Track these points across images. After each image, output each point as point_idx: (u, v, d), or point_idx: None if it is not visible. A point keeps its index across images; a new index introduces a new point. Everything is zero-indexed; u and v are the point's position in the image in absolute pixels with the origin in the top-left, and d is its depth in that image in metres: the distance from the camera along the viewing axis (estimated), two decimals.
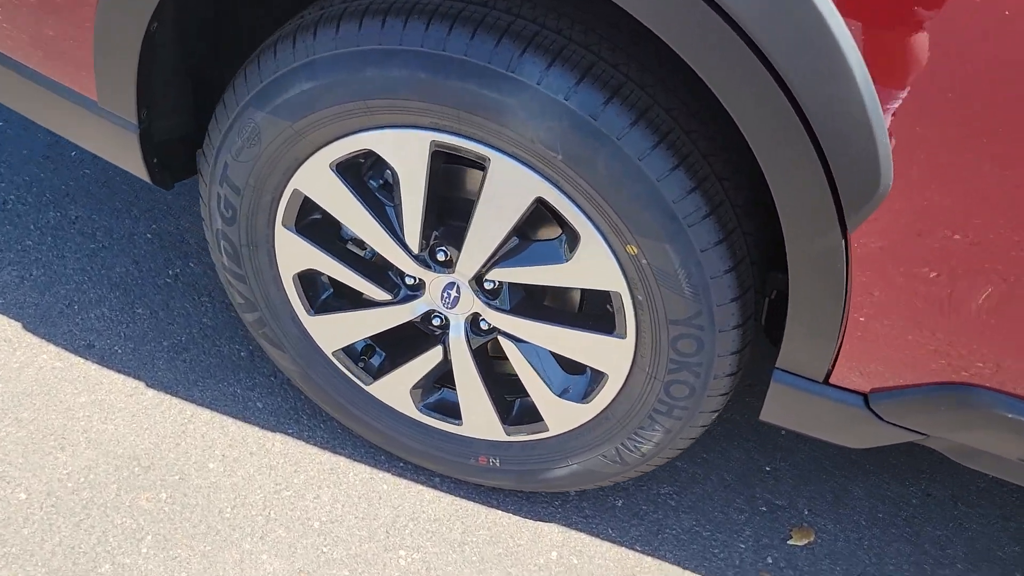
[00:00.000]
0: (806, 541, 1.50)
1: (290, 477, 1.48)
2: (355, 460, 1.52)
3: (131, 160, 1.31)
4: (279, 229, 1.29)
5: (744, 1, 0.85)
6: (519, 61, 1.02)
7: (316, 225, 1.31)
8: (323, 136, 1.16)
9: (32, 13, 1.24)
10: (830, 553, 1.49)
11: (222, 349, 1.65)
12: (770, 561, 1.47)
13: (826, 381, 1.13)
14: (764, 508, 1.54)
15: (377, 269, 1.32)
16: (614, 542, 1.46)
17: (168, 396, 1.57)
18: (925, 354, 1.05)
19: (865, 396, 1.12)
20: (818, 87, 0.87)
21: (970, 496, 1.59)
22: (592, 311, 1.27)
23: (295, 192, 1.24)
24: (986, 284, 0.96)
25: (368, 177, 1.25)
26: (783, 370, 1.14)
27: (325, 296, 1.38)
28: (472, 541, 1.43)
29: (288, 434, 1.54)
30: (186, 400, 1.56)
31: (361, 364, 1.42)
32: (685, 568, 1.44)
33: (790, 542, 1.49)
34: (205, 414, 1.55)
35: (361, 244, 1.34)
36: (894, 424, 1.13)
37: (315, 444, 1.53)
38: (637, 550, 1.45)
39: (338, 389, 1.45)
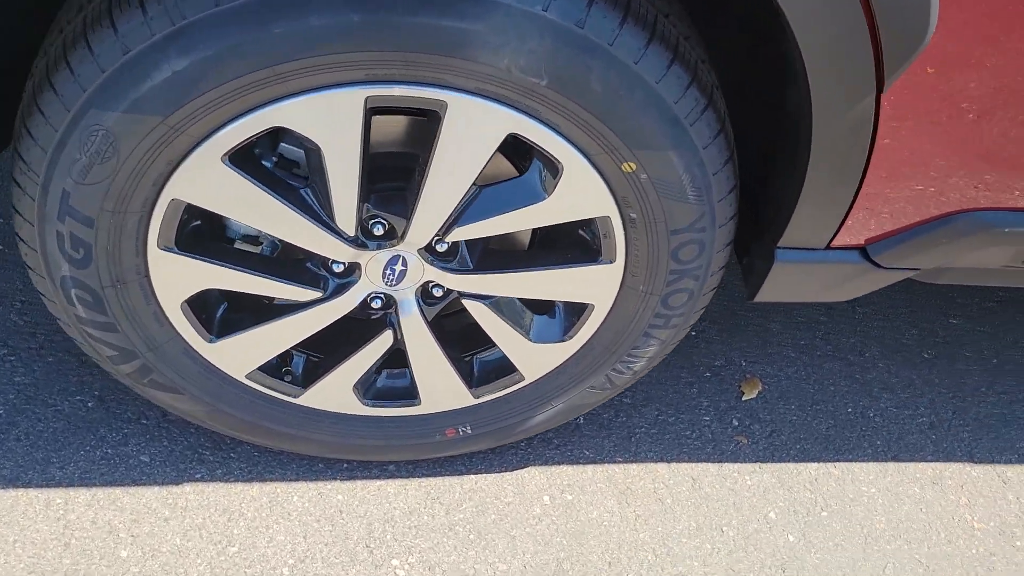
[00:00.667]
0: (756, 391, 1.51)
1: (227, 529, 1.22)
2: (291, 480, 1.28)
3: None
4: (155, 254, 0.98)
5: None
6: None
7: (198, 235, 1.01)
8: (209, 124, 0.87)
9: None
10: (781, 394, 1.51)
11: (60, 407, 1.30)
12: (736, 423, 1.46)
13: (827, 247, 1.08)
14: (708, 374, 1.52)
15: (291, 265, 1.06)
16: (596, 463, 1.37)
17: (22, 490, 1.21)
18: (927, 197, 1.02)
19: (863, 249, 1.09)
20: None
21: (865, 299, 1.68)
22: (560, 244, 1.11)
23: (173, 203, 0.93)
24: (999, 116, 0.93)
25: (266, 160, 0.97)
26: (787, 248, 1.07)
27: (221, 314, 1.10)
28: (460, 519, 1.28)
29: (197, 480, 1.26)
30: (48, 487, 1.22)
31: (287, 377, 1.16)
32: (670, 462, 1.39)
33: (744, 398, 1.50)
34: (82, 495, 1.22)
35: (254, 240, 1.07)
36: (892, 268, 1.11)
37: (236, 480, 1.27)
38: (619, 461, 1.38)
39: (260, 413, 1.19)
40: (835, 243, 1.07)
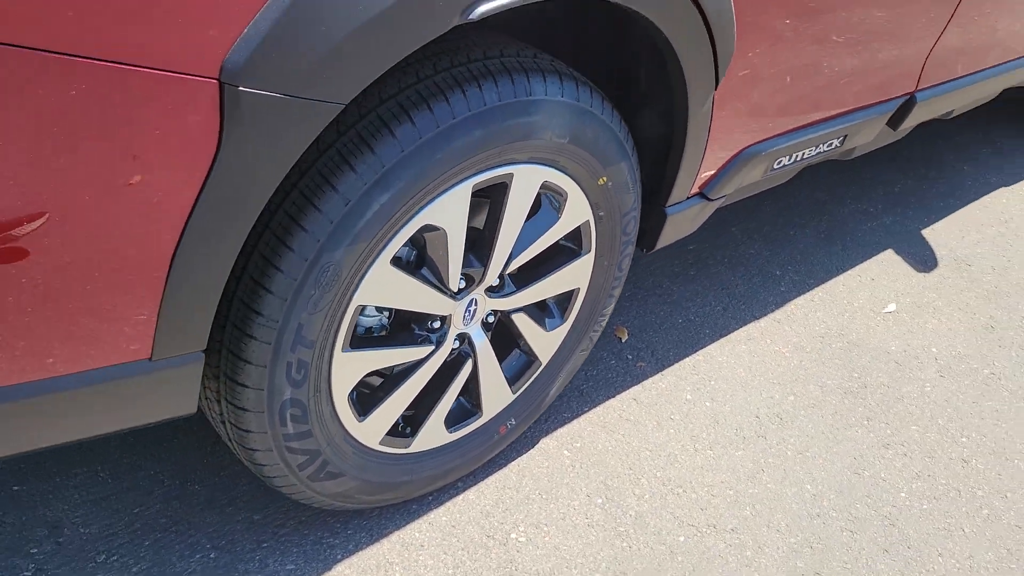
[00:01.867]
0: (626, 333, 2.10)
1: None
2: (402, 526, 1.59)
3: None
4: (339, 356, 1.29)
5: None
6: (531, 86, 1.28)
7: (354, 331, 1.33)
8: (388, 236, 1.23)
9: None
10: (644, 326, 2.12)
11: (192, 569, 1.46)
12: (630, 357, 2.04)
13: (687, 197, 1.71)
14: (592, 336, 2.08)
15: (404, 332, 1.41)
16: (576, 419, 1.86)
17: None
18: (728, 148, 1.70)
19: (702, 193, 1.74)
20: (714, 6, 1.38)
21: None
22: (552, 251, 1.58)
23: (356, 308, 1.26)
24: (760, 89, 1.63)
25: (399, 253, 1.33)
26: (671, 205, 1.68)
27: (354, 397, 1.40)
28: (530, 486, 1.69)
29: (338, 560, 1.52)
30: None
31: (405, 431, 1.49)
32: (611, 398, 1.92)
33: (623, 340, 2.08)
34: None
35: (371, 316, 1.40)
36: (717, 198, 1.77)
37: (361, 547, 1.54)
38: (588, 411, 1.88)
39: (387, 472, 1.50)
40: (691, 193, 1.71)
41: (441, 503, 1.63)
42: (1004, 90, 2.61)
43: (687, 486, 1.73)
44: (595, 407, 1.88)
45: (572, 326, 1.66)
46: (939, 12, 1.92)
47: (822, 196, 2.73)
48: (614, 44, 1.56)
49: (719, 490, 1.73)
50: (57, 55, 0.81)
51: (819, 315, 2.23)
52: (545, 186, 1.41)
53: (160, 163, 0.93)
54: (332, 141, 1.15)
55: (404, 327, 1.42)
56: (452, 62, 1.21)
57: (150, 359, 1.07)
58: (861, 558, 1.64)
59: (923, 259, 2.51)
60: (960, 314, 2.32)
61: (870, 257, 2.48)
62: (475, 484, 1.68)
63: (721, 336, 2.12)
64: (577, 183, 1.44)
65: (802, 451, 1.85)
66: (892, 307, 2.31)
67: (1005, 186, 2.95)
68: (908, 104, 2.10)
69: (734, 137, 1.68)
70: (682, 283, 2.28)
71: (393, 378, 1.43)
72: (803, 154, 1.89)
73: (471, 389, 1.57)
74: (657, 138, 1.61)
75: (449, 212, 1.28)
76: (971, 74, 2.26)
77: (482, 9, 1.07)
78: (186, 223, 0.99)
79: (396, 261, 1.27)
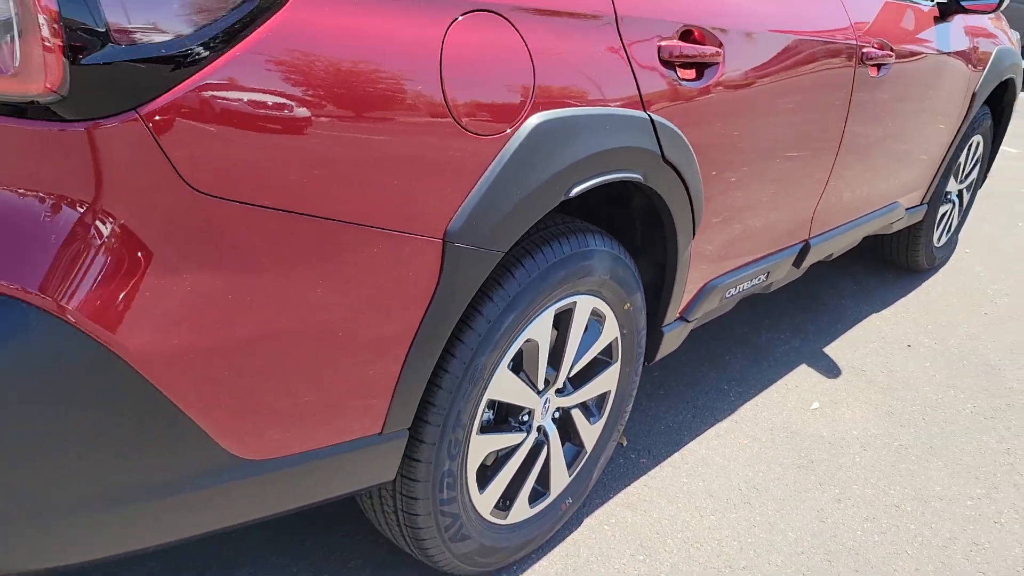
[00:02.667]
0: (625, 441, 2.64)
1: None
2: None
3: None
4: (473, 439, 1.78)
5: (677, 159, 1.96)
6: (589, 241, 1.88)
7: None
8: (507, 347, 1.76)
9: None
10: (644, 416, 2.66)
11: None
12: (632, 455, 2.56)
13: (676, 319, 2.32)
14: None
15: (504, 424, 1.92)
16: (633, 481, 2.35)
17: None
18: (697, 280, 2.34)
19: (682, 316, 2.36)
20: (692, 180, 2.04)
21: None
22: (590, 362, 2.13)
23: (486, 401, 1.77)
24: (730, 230, 2.30)
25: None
26: (666, 325, 2.28)
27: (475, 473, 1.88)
28: (568, 573, 2.15)
29: None
30: None
31: (504, 505, 1.96)
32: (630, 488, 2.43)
33: (624, 444, 2.61)
34: None
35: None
36: (692, 320, 2.39)
37: None
38: (631, 481, 2.38)
39: (493, 538, 1.95)
40: (676, 317, 2.32)
41: (523, 570, 2.07)
42: (864, 237, 3.41)
43: (702, 541, 2.24)
44: (618, 493, 2.38)
45: (606, 421, 2.19)
46: (818, 181, 2.68)
47: (744, 329, 3.41)
48: (617, 211, 2.20)
49: (727, 542, 2.25)
50: (344, 223, 1.33)
51: (764, 415, 2.84)
52: (593, 312, 1.98)
53: (407, 292, 1.46)
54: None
55: (503, 420, 1.92)
56: (544, 224, 1.80)
57: (380, 433, 1.55)
58: None
59: (829, 369, 3.19)
60: (866, 406, 2.98)
61: (790, 371, 3.14)
62: (545, 555, 2.13)
63: (696, 436, 2.69)
64: (612, 309, 2.03)
65: (778, 509, 2.39)
66: (816, 405, 2.95)
67: (875, 312, 3.73)
68: (805, 248, 2.83)
69: (700, 274, 2.32)
70: (656, 400, 2.86)
71: (498, 460, 1.92)
72: (743, 287, 2.55)
73: (543, 472, 2.06)
74: (649, 278, 2.23)
75: (541, 329, 1.83)
76: (844, 224, 3.04)
77: (576, 189, 1.68)
78: (415, 333, 1.50)
79: (510, 366, 1.80)
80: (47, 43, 1.02)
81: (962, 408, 3.03)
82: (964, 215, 4.36)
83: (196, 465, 1.30)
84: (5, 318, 1.09)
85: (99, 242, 1.12)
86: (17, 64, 1.04)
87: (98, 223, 1.12)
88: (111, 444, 1.21)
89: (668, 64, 1.85)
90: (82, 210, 1.11)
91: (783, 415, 2.86)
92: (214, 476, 1.33)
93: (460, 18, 1.41)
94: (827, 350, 3.34)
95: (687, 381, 2.99)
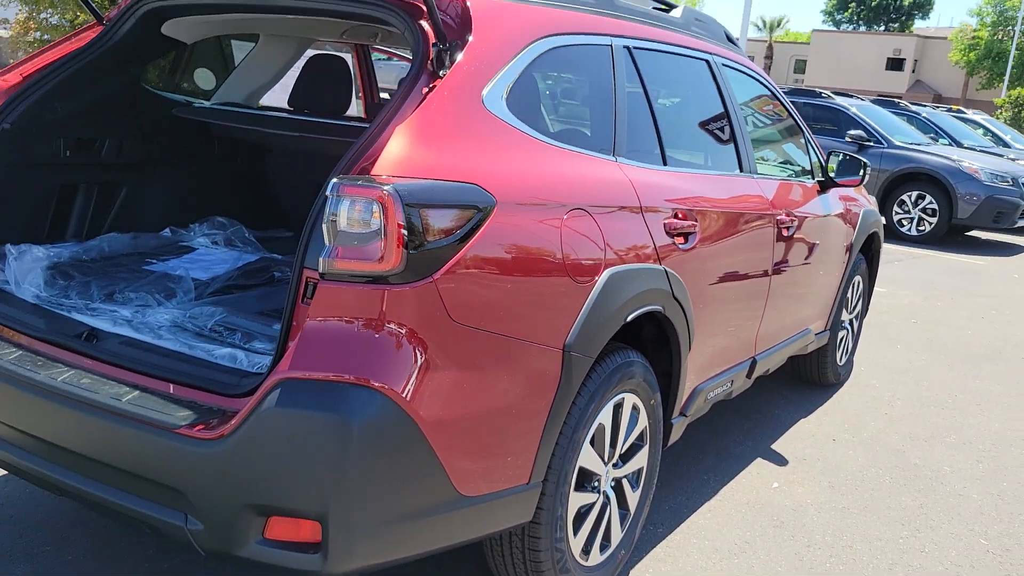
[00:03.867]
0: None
1: None
2: None
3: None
4: (571, 495, 2.57)
5: (680, 296, 2.88)
6: (630, 355, 2.74)
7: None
8: (589, 428, 2.58)
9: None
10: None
11: None
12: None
13: (678, 414, 3.18)
14: None
15: (582, 488, 2.69)
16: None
17: None
18: (694, 383, 3.22)
19: (683, 412, 3.22)
20: (688, 310, 2.96)
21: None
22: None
23: (578, 468, 2.57)
24: (708, 346, 3.21)
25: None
26: (674, 417, 3.13)
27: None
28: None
29: None
30: None
31: (585, 551, 2.72)
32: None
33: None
34: None
35: None
36: (691, 416, 3.26)
37: None
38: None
39: (580, 574, 2.69)
40: (679, 412, 3.18)
41: None
42: (788, 357, 4.40)
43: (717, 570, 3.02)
44: (649, 552, 3.15)
45: (642, 490, 3.00)
46: (758, 310, 3.66)
47: (708, 436, 4.29)
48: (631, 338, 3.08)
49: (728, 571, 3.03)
50: (517, 340, 2.17)
51: (739, 495, 3.68)
52: (632, 406, 2.83)
53: (545, 383, 2.28)
54: None
55: (580, 485, 2.70)
56: (607, 343, 2.68)
57: (527, 483, 2.33)
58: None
59: (778, 460, 4.08)
60: (812, 483, 3.86)
61: (750, 463, 4.01)
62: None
63: (694, 511, 3.50)
64: (644, 404, 2.88)
65: (767, 554, 3.20)
66: (776, 484, 3.81)
67: (802, 417, 4.69)
68: (753, 363, 3.78)
69: (691, 381, 3.21)
70: (658, 489, 3.67)
71: (579, 516, 2.69)
72: (718, 392, 3.45)
73: (607, 528, 2.83)
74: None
75: (607, 416, 2.66)
76: (776, 344, 4.02)
77: (630, 317, 2.57)
78: (548, 411, 2.32)
79: (590, 442, 2.61)
80: (398, 242, 1.88)
81: (882, 480, 3.95)
82: (856, 339, 5.45)
83: (442, 496, 2.07)
84: (364, 397, 1.88)
85: (412, 353, 1.94)
86: (380, 255, 1.88)
87: (408, 341, 1.94)
88: (410, 479, 1.97)
89: (669, 234, 2.81)
90: (404, 333, 1.93)
91: (753, 493, 3.70)
92: (450, 505, 2.10)
93: (565, 215, 2.34)
94: (774, 447, 4.24)
95: (675, 473, 3.81)
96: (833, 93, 12.69)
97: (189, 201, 3.37)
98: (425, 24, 2.30)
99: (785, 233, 3.75)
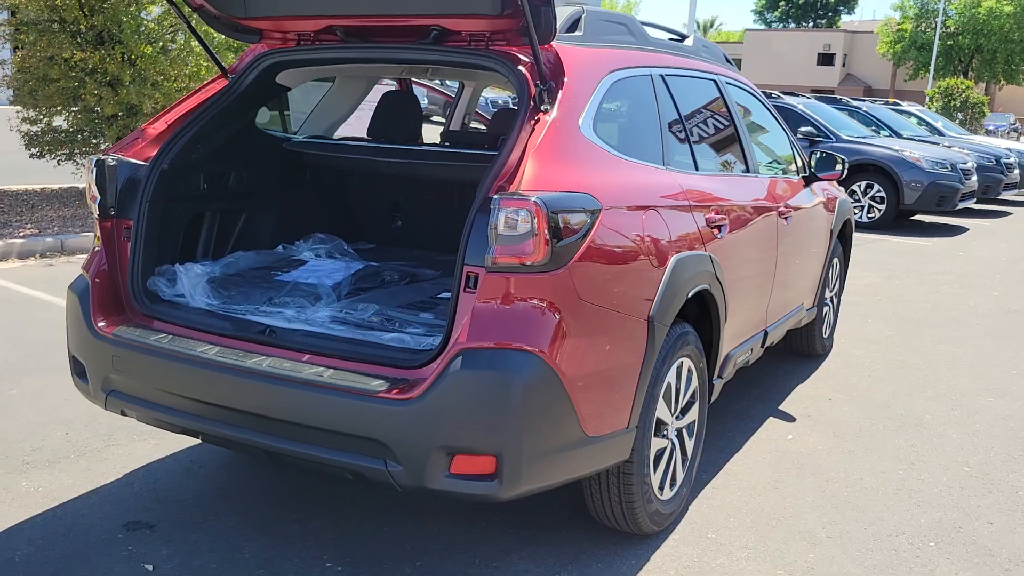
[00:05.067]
0: None
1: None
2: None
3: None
4: (652, 439, 3.19)
5: (719, 276, 3.52)
6: (686, 326, 3.38)
7: None
8: (662, 386, 3.20)
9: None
10: None
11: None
12: None
13: (716, 377, 3.82)
14: None
15: (658, 433, 3.32)
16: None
17: None
18: (726, 350, 3.87)
19: (719, 375, 3.87)
20: (725, 288, 3.61)
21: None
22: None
23: (655, 418, 3.20)
24: (736, 318, 3.86)
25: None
26: (714, 379, 3.77)
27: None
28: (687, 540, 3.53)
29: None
30: None
31: (660, 487, 3.34)
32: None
33: None
34: None
35: None
36: (723, 378, 3.90)
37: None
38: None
39: (660, 505, 3.31)
40: (717, 375, 3.82)
41: (656, 546, 3.43)
42: (787, 331, 5.08)
43: (762, 508, 3.67)
44: (701, 491, 3.79)
45: (695, 439, 3.63)
46: (768, 286, 4.32)
47: (727, 402, 4.95)
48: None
49: (774, 507, 3.68)
50: (620, 313, 2.80)
51: (761, 446, 4.34)
52: (689, 368, 3.46)
53: (638, 345, 2.91)
54: None
55: (657, 432, 3.32)
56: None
57: (626, 427, 2.95)
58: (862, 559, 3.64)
59: (787, 418, 4.74)
60: (819, 433, 4.53)
61: (764, 421, 4.67)
62: (674, 531, 3.50)
63: (730, 456, 4.14)
64: (695, 367, 3.51)
65: (796, 489, 3.87)
66: (790, 436, 4.48)
67: (799, 383, 5.37)
68: (765, 333, 4.45)
69: (725, 348, 3.86)
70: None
71: (656, 457, 3.31)
72: (741, 359, 4.11)
73: (673, 469, 3.45)
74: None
75: (673, 375, 3.28)
76: (780, 318, 4.70)
77: (690, 293, 3.20)
78: (640, 368, 2.95)
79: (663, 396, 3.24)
80: (544, 240, 2.49)
81: (876, 428, 4.65)
82: (836, 315, 6.18)
83: (575, 436, 2.67)
84: (524, 358, 2.48)
85: (554, 324, 2.55)
86: (532, 250, 2.49)
87: (551, 315, 2.55)
88: (556, 422, 2.58)
89: (709, 226, 3.46)
90: (548, 310, 2.54)
91: (772, 444, 4.37)
92: (579, 443, 2.71)
93: (644, 214, 2.97)
94: (781, 407, 4.92)
95: (707, 431, 4.46)
96: (782, 93, 13.57)
97: (291, 221, 3.92)
98: (523, 69, 2.92)
99: (784, 222, 4.43)
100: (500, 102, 13.32)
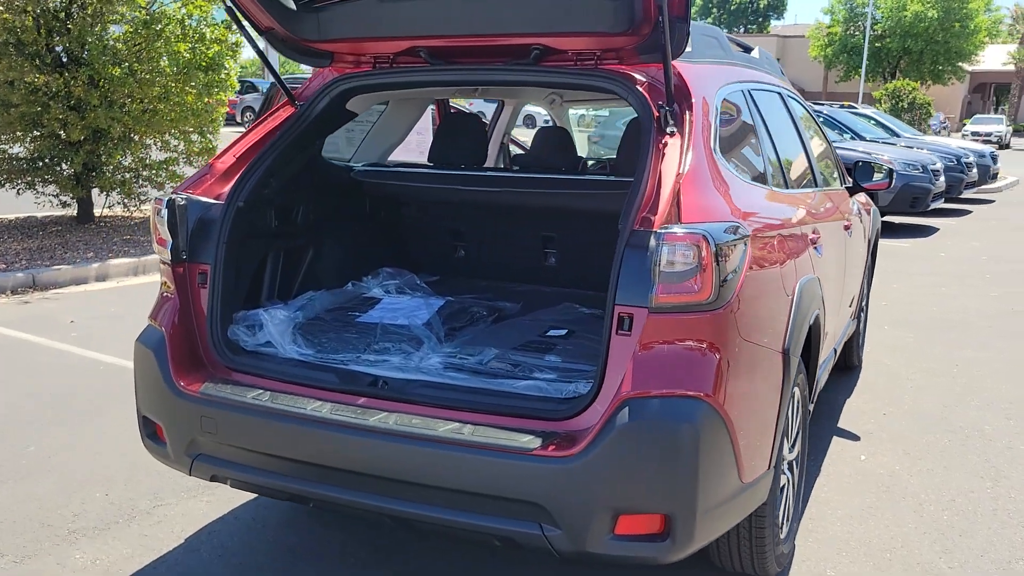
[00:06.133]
0: None
1: None
2: None
3: None
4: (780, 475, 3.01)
5: (823, 295, 3.36)
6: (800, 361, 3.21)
7: None
8: (784, 420, 3.03)
9: None
10: None
11: None
12: None
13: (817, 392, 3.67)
14: None
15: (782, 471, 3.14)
16: None
17: None
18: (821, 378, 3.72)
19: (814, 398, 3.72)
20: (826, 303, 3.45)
21: None
22: None
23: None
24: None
25: None
26: (811, 401, 3.62)
27: None
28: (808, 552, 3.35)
29: None
30: None
31: (781, 524, 3.16)
32: None
33: None
34: None
35: None
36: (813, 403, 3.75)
37: None
38: None
39: (783, 545, 3.13)
40: (813, 399, 3.67)
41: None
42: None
43: (849, 518, 3.51)
44: (800, 523, 3.62)
45: (800, 469, 3.45)
46: (838, 306, 4.18)
47: None
48: None
49: (867, 523, 3.53)
50: (764, 347, 2.62)
51: (840, 468, 4.19)
52: (798, 397, 3.29)
53: (778, 378, 2.72)
54: None
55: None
56: None
57: (768, 469, 2.75)
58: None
59: (851, 436, 4.61)
60: (886, 451, 4.41)
61: (829, 442, 4.53)
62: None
63: (813, 488, 3.98)
64: (801, 395, 3.33)
65: (895, 511, 3.72)
66: (863, 457, 4.34)
67: (847, 398, 5.26)
68: (835, 352, 4.30)
69: (820, 372, 3.70)
70: None
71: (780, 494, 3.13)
72: (822, 382, 3.95)
73: (786, 506, 3.27)
74: None
75: (790, 407, 3.11)
76: (842, 334, 4.57)
77: (812, 319, 3.03)
78: (779, 408, 2.76)
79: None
80: (711, 276, 2.28)
81: (942, 443, 4.55)
82: (866, 325, 6.10)
83: (735, 485, 2.47)
84: (696, 406, 2.27)
85: (721, 367, 2.34)
86: (698, 288, 2.28)
87: (717, 357, 2.34)
88: (723, 471, 2.37)
89: (811, 245, 3.29)
90: (715, 351, 2.33)
91: (850, 465, 4.23)
92: (738, 491, 2.50)
93: (775, 239, 2.79)
94: (840, 425, 4.79)
95: None
96: None
97: (355, 255, 3.65)
98: (642, 89, 2.71)
99: (848, 235, 4.31)
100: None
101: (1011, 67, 53.79)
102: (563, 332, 2.99)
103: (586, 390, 2.42)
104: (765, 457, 2.71)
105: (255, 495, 3.64)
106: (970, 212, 15.53)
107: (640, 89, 2.71)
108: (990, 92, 62.11)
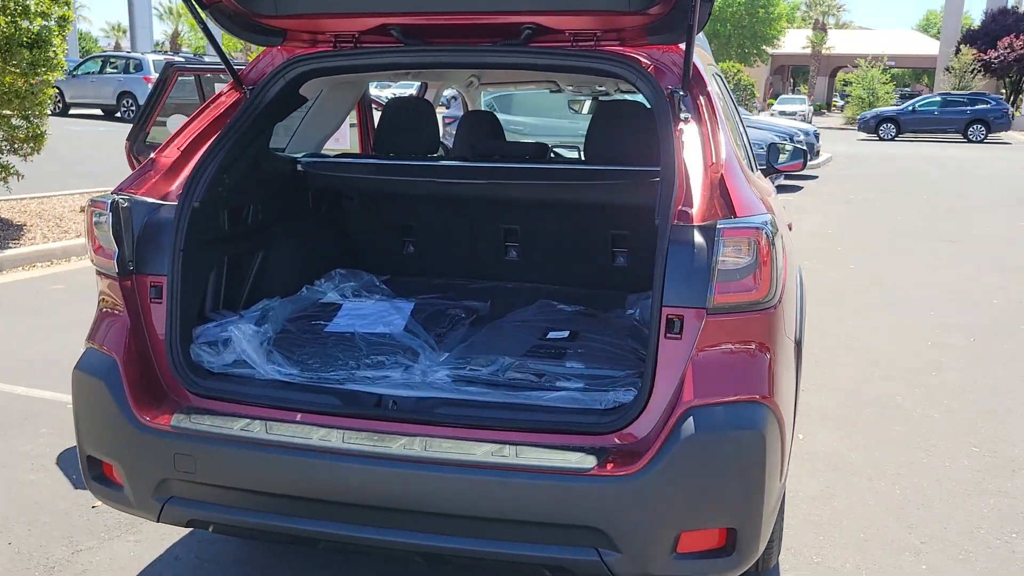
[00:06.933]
0: None
1: None
2: None
3: None
4: None
5: None
6: None
7: None
8: None
9: None
10: None
11: None
12: None
13: None
14: None
15: None
16: None
17: None
18: None
19: None
20: None
21: None
22: None
23: None
24: None
25: None
26: None
27: None
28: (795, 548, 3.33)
29: None
30: None
31: None
32: None
33: None
34: None
35: None
36: None
37: None
38: None
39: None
40: None
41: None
42: None
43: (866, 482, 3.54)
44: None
45: None
46: None
47: None
48: None
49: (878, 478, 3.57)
50: (789, 339, 2.53)
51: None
52: None
53: (793, 371, 2.65)
54: None
55: None
56: None
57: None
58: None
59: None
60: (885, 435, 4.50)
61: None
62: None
63: None
64: None
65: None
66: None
67: None
68: None
69: None
70: None
71: None
72: None
73: None
74: None
75: None
76: None
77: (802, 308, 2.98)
78: (795, 400, 2.68)
79: None
80: (768, 271, 2.15)
81: (863, 415, 4.68)
82: None
83: (781, 486, 2.36)
84: (762, 411, 2.14)
85: (775, 367, 2.22)
86: (756, 284, 2.14)
87: (772, 357, 2.21)
88: (777, 475, 2.26)
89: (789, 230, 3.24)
90: (770, 350, 2.21)
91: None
92: (781, 494, 2.40)
93: (785, 227, 2.69)
94: None
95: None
96: None
97: (303, 256, 3.28)
98: (652, 73, 2.54)
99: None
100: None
101: (808, 50, 57.56)
102: (565, 334, 2.78)
103: (629, 399, 2.24)
104: (788, 452, 2.62)
105: (187, 529, 3.24)
106: (801, 188, 16.43)
107: (651, 74, 2.54)
108: (788, 73, 66.38)
